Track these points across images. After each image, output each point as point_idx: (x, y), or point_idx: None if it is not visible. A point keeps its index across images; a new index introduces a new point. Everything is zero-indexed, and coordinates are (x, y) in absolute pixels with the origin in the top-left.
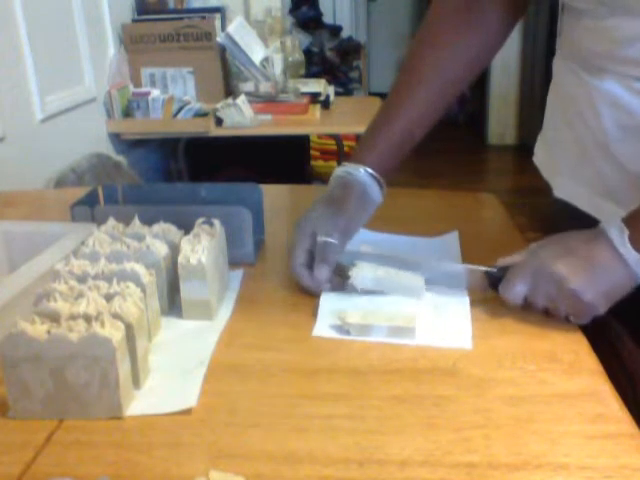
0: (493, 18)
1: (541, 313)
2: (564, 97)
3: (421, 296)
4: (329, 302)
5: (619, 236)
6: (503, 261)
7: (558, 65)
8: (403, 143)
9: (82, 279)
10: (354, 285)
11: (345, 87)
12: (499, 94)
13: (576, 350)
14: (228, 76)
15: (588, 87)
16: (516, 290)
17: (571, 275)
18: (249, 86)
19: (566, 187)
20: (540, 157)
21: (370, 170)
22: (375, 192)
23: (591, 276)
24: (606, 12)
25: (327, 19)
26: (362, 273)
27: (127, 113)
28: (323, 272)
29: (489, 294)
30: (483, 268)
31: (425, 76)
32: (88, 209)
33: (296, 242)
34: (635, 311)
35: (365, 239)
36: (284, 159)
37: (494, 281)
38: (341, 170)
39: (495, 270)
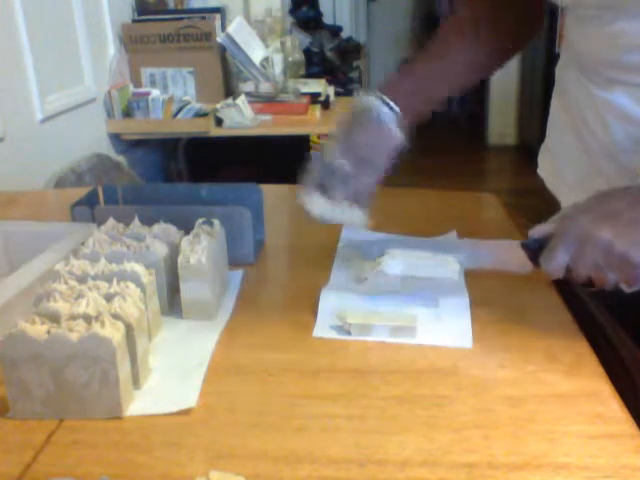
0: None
1: (584, 282)
2: (569, 107)
3: (456, 277)
4: (329, 302)
5: None
6: (537, 230)
7: (562, 74)
8: (422, 91)
9: (82, 279)
10: (385, 272)
11: (345, 87)
12: (499, 94)
13: (576, 350)
14: (228, 76)
15: (595, 99)
16: (558, 261)
17: (617, 238)
18: (249, 86)
19: (574, 198)
20: (544, 168)
21: (379, 94)
22: (382, 109)
23: (638, 237)
24: (611, 17)
25: (327, 19)
26: (393, 259)
27: (127, 113)
28: (337, 196)
29: (530, 269)
30: (518, 242)
31: (452, 49)
32: (88, 209)
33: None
34: (635, 311)
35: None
36: (284, 159)
37: (532, 254)
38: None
39: (531, 241)
